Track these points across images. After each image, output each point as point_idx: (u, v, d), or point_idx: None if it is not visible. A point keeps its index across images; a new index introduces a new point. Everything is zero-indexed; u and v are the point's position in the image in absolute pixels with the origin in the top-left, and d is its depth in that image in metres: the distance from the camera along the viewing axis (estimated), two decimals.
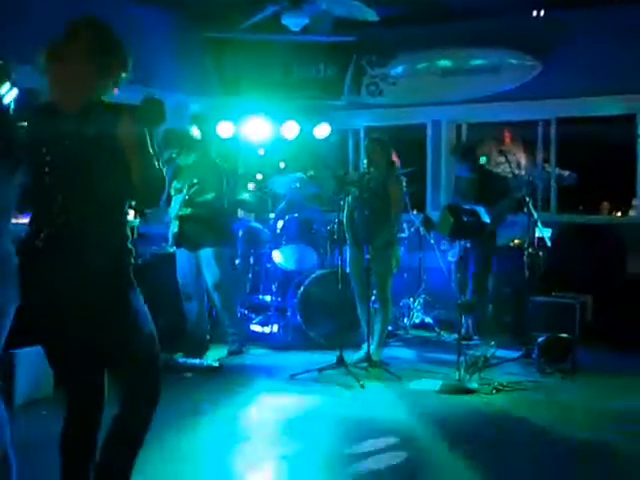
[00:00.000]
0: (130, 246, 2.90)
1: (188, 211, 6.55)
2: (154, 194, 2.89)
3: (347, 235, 6.63)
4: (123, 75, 2.92)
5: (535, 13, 8.23)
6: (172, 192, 6.70)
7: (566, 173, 10.09)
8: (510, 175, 7.20)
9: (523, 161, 9.78)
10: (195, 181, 6.49)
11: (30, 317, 2.85)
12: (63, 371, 3.00)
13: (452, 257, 6.97)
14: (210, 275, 6.69)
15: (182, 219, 6.60)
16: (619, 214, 9.53)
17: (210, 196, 6.57)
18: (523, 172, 9.65)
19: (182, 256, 6.75)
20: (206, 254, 6.65)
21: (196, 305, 6.76)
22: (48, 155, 2.80)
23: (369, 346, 6.38)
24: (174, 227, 6.64)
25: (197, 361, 6.46)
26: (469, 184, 7.01)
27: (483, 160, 7.54)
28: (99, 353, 2.88)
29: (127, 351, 2.89)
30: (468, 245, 6.27)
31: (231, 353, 6.89)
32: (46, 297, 2.80)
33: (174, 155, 6.55)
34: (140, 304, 2.93)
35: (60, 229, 2.78)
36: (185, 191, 6.51)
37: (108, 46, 2.86)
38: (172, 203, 6.65)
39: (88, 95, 2.83)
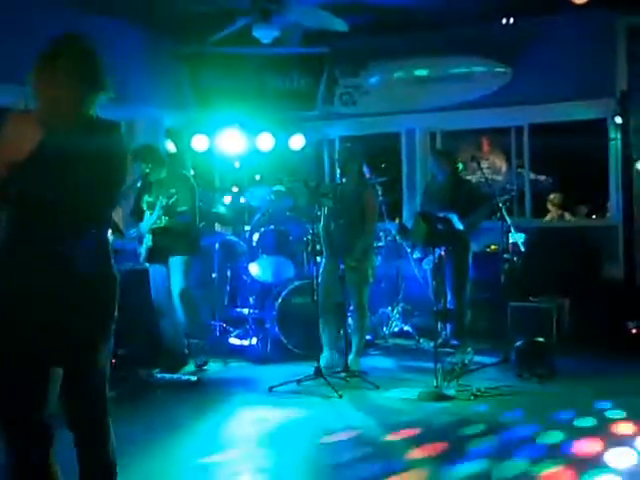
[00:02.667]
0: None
1: (164, 223, 6.51)
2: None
3: (323, 246, 6.61)
4: (102, 95, 2.91)
5: (504, 21, 8.31)
6: (144, 206, 6.69)
7: (542, 178, 10.19)
8: (484, 182, 7.18)
9: (503, 167, 9.85)
10: (173, 191, 6.41)
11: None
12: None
13: (427, 265, 6.96)
14: (175, 284, 6.65)
15: (156, 232, 6.57)
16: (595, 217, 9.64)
17: (184, 208, 6.54)
18: (501, 178, 9.73)
19: (154, 271, 6.73)
20: (174, 263, 6.63)
21: (170, 320, 6.73)
22: (70, 169, 2.79)
23: (347, 356, 6.38)
24: (148, 241, 6.61)
25: (175, 376, 6.44)
26: (441, 190, 6.99)
27: (460, 167, 7.54)
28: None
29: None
30: (443, 253, 6.26)
31: (197, 367, 6.84)
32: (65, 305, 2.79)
33: (147, 170, 6.52)
34: None
35: (85, 238, 2.82)
36: (163, 201, 6.40)
37: (93, 67, 2.87)
38: (144, 218, 6.63)
39: (79, 111, 2.83)
